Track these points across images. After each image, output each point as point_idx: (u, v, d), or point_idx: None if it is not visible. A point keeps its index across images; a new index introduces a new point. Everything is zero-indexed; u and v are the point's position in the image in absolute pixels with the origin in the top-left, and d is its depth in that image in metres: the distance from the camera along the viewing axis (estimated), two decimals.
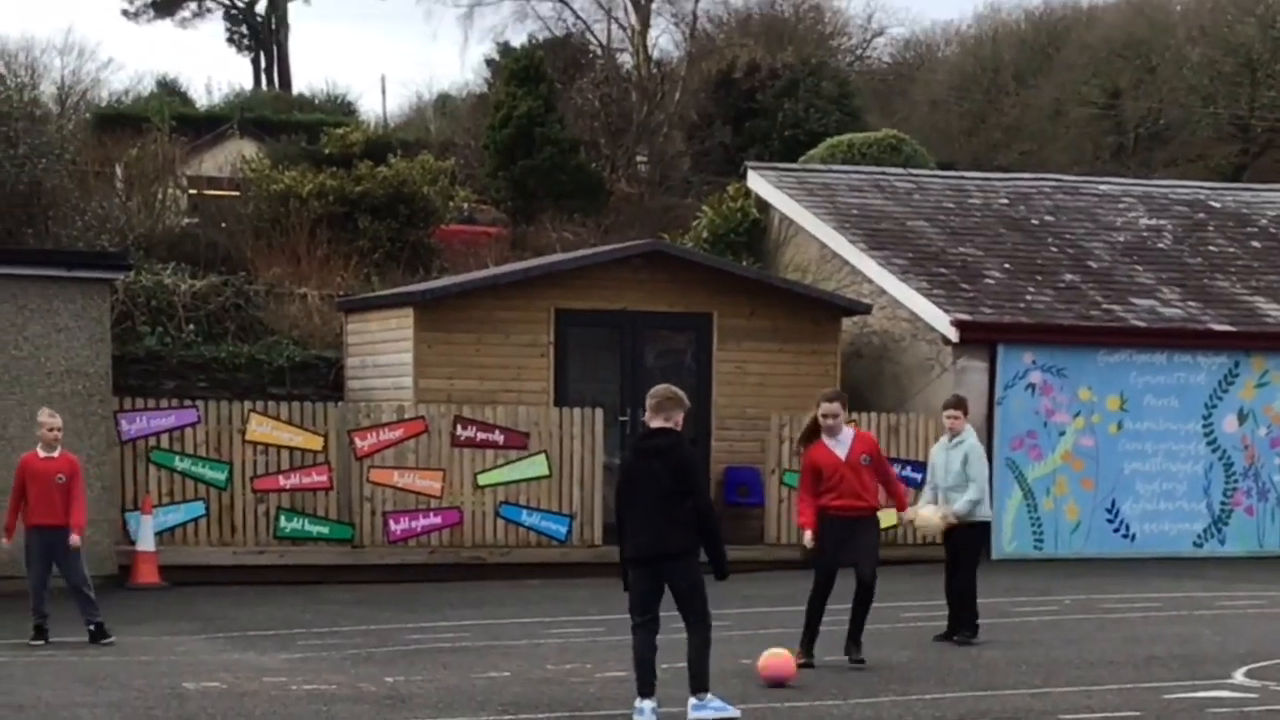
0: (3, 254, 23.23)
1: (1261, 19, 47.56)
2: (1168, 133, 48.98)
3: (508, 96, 38.87)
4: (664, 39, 54.92)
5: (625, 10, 52.88)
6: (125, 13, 71.97)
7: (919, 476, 24.28)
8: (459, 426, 22.69)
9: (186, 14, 72.76)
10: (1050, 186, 30.88)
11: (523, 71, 39.27)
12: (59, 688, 13.76)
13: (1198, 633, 17.02)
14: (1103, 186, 31.38)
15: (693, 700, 12.29)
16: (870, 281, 26.41)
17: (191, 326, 27.04)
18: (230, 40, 73.23)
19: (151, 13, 72.22)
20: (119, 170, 34.82)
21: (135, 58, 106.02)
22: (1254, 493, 25.90)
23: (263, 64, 72.30)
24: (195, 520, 21.92)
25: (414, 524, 22.59)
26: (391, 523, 22.47)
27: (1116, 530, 25.37)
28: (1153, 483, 25.48)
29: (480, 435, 22.76)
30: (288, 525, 22.16)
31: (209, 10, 73.03)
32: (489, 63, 57.09)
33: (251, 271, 29.48)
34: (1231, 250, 28.75)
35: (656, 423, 12.49)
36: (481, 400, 23.17)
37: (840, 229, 27.42)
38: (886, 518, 23.79)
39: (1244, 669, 14.56)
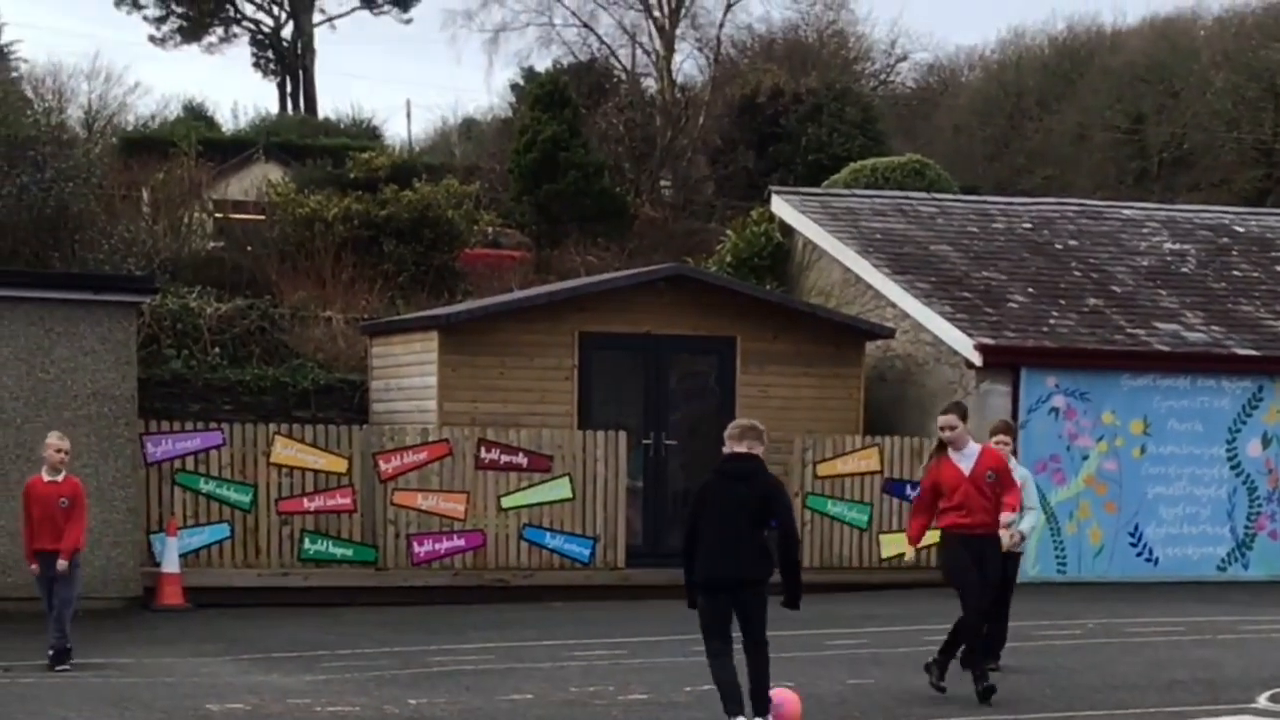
0: (30, 277, 23.32)
1: None
2: (1191, 157, 48.96)
3: (532, 121, 39.02)
4: (688, 64, 55.23)
5: (650, 35, 53.02)
6: (152, 38, 72.31)
7: None
8: (483, 449, 22.73)
9: (213, 39, 73.07)
10: (1074, 211, 30.87)
11: (547, 96, 39.43)
12: (85, 709, 13.81)
13: (1221, 657, 17.00)
14: (1126, 211, 31.37)
15: None
16: (894, 305, 26.43)
17: (217, 349, 27.15)
18: (256, 65, 73.57)
19: (179, 38, 72.51)
20: (145, 194, 34.99)
21: (162, 82, 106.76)
22: (1277, 516, 25.85)
23: (289, 88, 72.57)
24: (220, 542, 21.97)
25: (437, 546, 22.63)
26: (415, 545, 22.51)
27: (1140, 554, 25.34)
28: (1176, 506, 25.46)
29: (504, 458, 22.81)
30: (312, 547, 22.21)
31: (236, 35, 73.36)
32: (514, 87, 57.24)
33: (277, 295, 29.60)
34: (1255, 275, 28.72)
35: (739, 449, 12.53)
36: (505, 423, 23.21)
37: (864, 253, 27.44)
38: (890, 545, 24.02)
39: (1267, 693, 14.55)
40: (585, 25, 54.48)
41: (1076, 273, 28.00)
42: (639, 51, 53.40)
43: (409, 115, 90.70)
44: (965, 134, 53.09)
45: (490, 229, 37.55)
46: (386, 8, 73.91)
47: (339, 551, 22.28)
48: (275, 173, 40.96)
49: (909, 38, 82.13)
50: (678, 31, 52.59)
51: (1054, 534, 24.90)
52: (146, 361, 24.82)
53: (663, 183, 45.94)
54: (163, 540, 21.46)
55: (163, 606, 21.07)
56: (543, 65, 53.74)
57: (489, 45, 60.24)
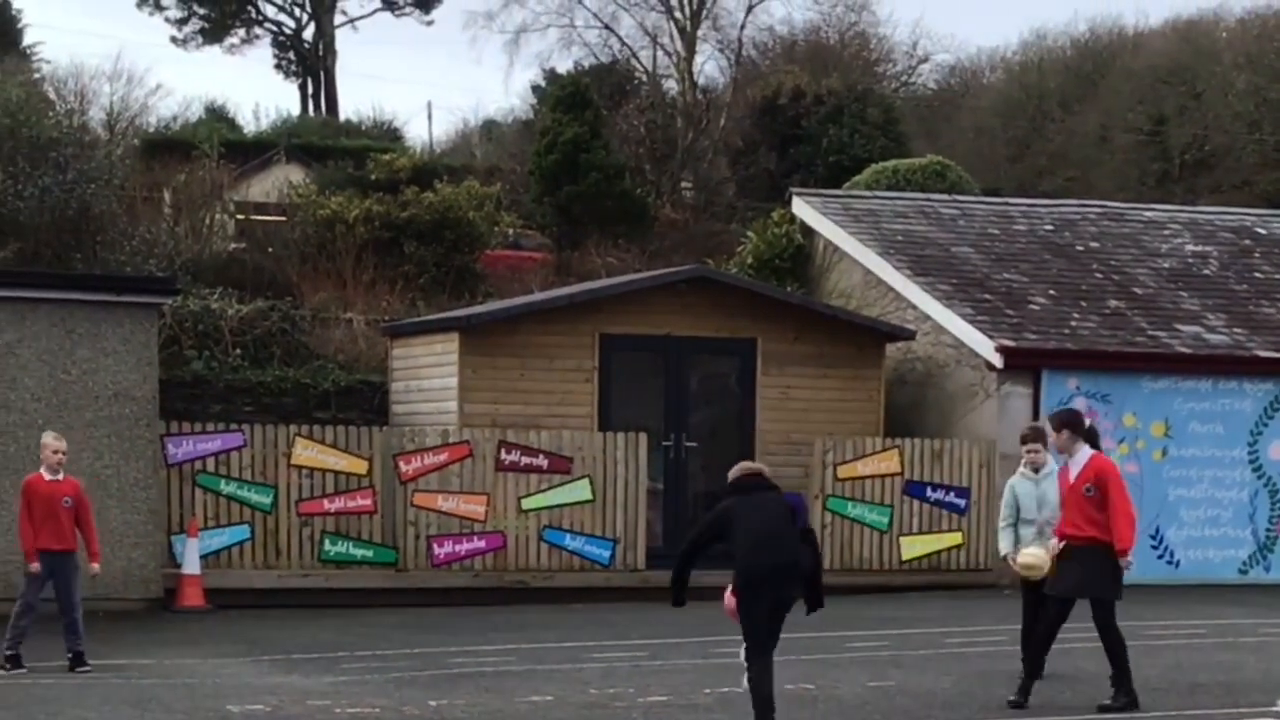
0: (51, 279, 23.39)
1: None
2: (1213, 159, 48.86)
3: (553, 122, 39.01)
4: (709, 65, 55.12)
5: (671, 37, 53.04)
6: (174, 39, 72.47)
7: (962, 502, 24.33)
8: (503, 451, 22.74)
9: (235, 40, 73.22)
10: (1095, 213, 30.82)
11: (569, 98, 39.42)
12: (106, 710, 13.85)
13: (1242, 660, 16.96)
14: (1148, 213, 31.31)
15: None
16: (914, 307, 26.40)
17: (238, 351, 27.20)
18: (278, 66, 73.67)
19: (200, 39, 72.66)
20: (167, 195, 35.04)
21: (184, 84, 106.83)
22: None
23: (310, 90, 72.69)
24: (240, 543, 22.00)
25: (458, 548, 22.65)
26: (435, 546, 22.53)
27: (1161, 557, 25.28)
28: (1197, 509, 25.40)
29: (524, 459, 22.82)
30: (332, 549, 22.23)
31: (257, 37, 73.49)
32: (535, 89, 57.30)
33: (298, 296, 29.64)
34: (1278, 277, 28.63)
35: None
36: (526, 425, 23.22)
37: (885, 255, 27.42)
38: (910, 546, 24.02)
39: None
40: (606, 27, 54.57)
41: (1098, 274, 27.95)
42: (660, 53, 53.48)
43: (430, 117, 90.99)
44: (987, 136, 53.03)
45: (511, 230, 37.58)
46: (408, 9, 74.02)
47: (359, 553, 22.30)
48: (296, 174, 41.03)
49: (930, 39, 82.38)
50: (699, 33, 52.60)
51: None
52: (168, 363, 24.85)
53: (683, 184, 45.92)
54: (183, 541, 21.50)
55: (183, 608, 21.11)
56: (564, 67, 53.91)
57: (510, 46, 60.47)
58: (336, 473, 22.21)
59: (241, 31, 73.18)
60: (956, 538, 24.36)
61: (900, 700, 14.41)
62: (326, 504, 22.20)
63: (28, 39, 57.74)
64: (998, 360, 24.75)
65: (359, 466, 22.30)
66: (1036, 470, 15.47)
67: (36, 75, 45.87)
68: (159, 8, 71.27)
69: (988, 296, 26.40)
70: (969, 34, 79.42)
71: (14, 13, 57.65)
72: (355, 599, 21.82)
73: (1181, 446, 25.38)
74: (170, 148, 39.40)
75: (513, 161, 44.97)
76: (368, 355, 27.58)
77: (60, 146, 31.46)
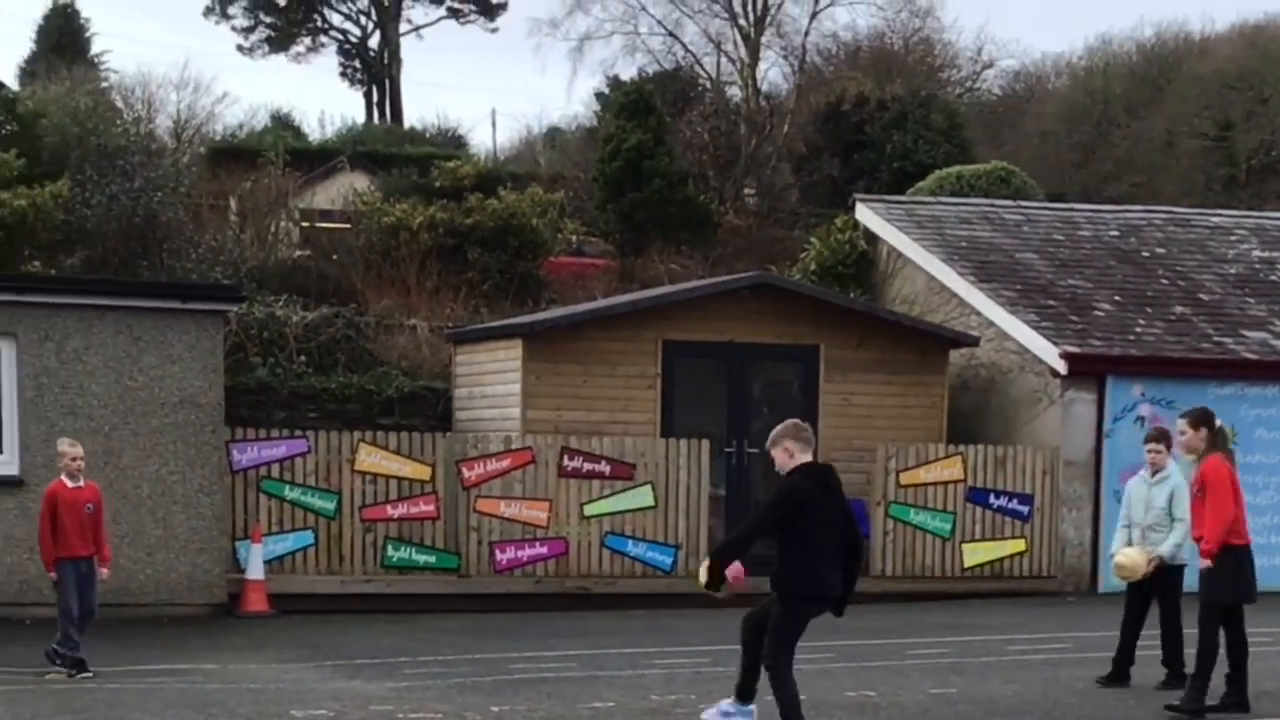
0: (118, 286, 23.56)
1: None
2: None
3: (617, 129, 39.07)
4: (773, 72, 54.95)
5: (735, 44, 52.98)
6: (240, 48, 72.93)
7: (1025, 509, 24.24)
8: (566, 457, 22.78)
9: (301, 49, 73.65)
10: (1161, 219, 30.67)
11: (632, 105, 39.48)
12: (169, 715, 13.92)
13: None
14: (1215, 219, 31.13)
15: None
16: (978, 313, 26.32)
17: (303, 358, 27.34)
18: (343, 74, 74.03)
19: (266, 48, 73.09)
20: (233, 203, 35.29)
21: (250, 92, 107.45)
22: None
23: (375, 98, 73.02)
24: (304, 549, 22.10)
25: (520, 554, 22.70)
26: (497, 552, 22.58)
27: None
28: (1264, 516, 25.17)
29: (587, 466, 22.85)
30: (395, 554, 22.31)
31: (323, 45, 73.90)
32: (598, 96, 57.38)
33: (362, 303, 29.78)
34: None
35: (808, 458, 12.47)
36: (588, 431, 23.25)
37: (948, 261, 27.35)
38: (973, 553, 23.91)
39: None
40: (670, 34, 54.53)
41: (1163, 280, 27.80)
42: (724, 60, 53.42)
43: (494, 124, 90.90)
44: (1052, 141, 52.81)
45: (574, 237, 37.64)
46: (472, 17, 74.24)
47: (422, 559, 22.37)
48: (361, 182, 41.20)
49: (995, 45, 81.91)
50: (763, 40, 52.53)
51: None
52: (233, 369, 25.00)
53: (747, 191, 45.88)
54: (247, 547, 21.61)
55: (247, 613, 21.22)
56: (628, 73, 53.89)
57: (574, 54, 60.45)
58: (400, 479, 22.28)
59: (307, 40, 73.63)
60: (1020, 545, 24.27)
61: (962, 708, 14.37)
62: (390, 510, 22.28)
63: (95, 48, 58.13)
64: (1062, 367, 24.65)
65: (422, 472, 22.37)
66: (1155, 472, 15.79)
67: (104, 84, 46.30)
68: (225, 16, 71.77)
69: (1052, 303, 26.30)
70: (1034, 39, 79.40)
71: (81, 22, 58.04)
72: (417, 604, 21.88)
73: (1248, 453, 25.13)
74: (236, 156, 39.69)
75: (576, 168, 45.04)
76: (431, 362, 27.67)
77: (127, 155, 31.73)
